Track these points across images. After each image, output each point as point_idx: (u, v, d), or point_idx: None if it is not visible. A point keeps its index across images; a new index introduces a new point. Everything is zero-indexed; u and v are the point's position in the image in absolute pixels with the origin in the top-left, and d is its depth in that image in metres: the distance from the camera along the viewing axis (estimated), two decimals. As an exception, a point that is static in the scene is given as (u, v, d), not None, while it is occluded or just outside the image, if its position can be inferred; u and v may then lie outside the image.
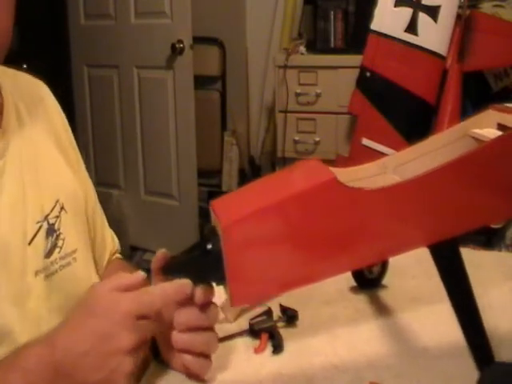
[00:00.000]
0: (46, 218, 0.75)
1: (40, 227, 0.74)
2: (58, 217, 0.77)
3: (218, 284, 0.60)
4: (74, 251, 0.79)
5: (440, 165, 0.56)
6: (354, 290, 0.92)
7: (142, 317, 0.58)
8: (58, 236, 0.76)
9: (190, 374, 0.70)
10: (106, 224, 0.93)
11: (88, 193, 0.88)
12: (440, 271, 0.62)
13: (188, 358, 0.68)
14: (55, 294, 0.75)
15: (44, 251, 0.74)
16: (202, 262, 0.60)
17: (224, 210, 0.58)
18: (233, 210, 0.58)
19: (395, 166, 0.66)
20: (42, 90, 0.86)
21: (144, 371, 0.70)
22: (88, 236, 0.85)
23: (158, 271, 0.65)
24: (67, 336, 0.58)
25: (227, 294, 0.58)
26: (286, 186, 0.59)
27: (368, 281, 0.92)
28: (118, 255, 0.96)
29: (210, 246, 0.59)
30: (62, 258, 0.76)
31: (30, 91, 0.84)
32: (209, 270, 0.59)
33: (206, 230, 0.65)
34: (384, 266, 0.92)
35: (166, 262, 0.65)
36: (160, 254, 0.66)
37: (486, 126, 0.65)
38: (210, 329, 0.68)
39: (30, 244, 0.72)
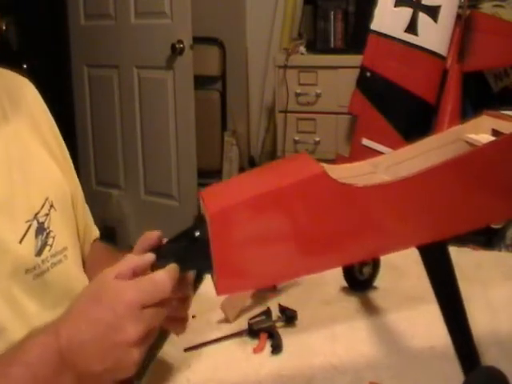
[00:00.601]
0: (36, 216, 0.75)
1: (30, 226, 0.74)
2: (47, 215, 0.77)
3: (205, 272, 0.60)
4: (65, 249, 0.79)
5: (431, 166, 0.56)
6: (353, 290, 0.92)
7: (147, 306, 0.58)
8: (48, 234, 0.76)
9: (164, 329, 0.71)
10: (89, 213, 0.93)
11: (75, 185, 0.88)
12: (428, 273, 0.61)
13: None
14: (47, 292, 0.75)
15: (35, 250, 0.74)
16: (189, 250, 0.60)
17: (212, 198, 0.58)
18: (221, 198, 0.58)
19: (388, 165, 0.66)
20: (25, 87, 0.86)
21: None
22: (76, 231, 0.85)
23: (141, 252, 0.65)
24: (71, 324, 0.58)
25: (213, 282, 0.58)
26: (275, 178, 0.59)
27: (359, 282, 0.92)
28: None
29: (197, 234, 0.59)
30: (52, 256, 0.76)
31: (14, 88, 0.83)
32: (196, 257, 0.60)
33: (195, 217, 0.65)
34: (375, 267, 0.92)
35: (153, 248, 0.65)
36: (149, 234, 0.66)
37: (480, 131, 0.66)
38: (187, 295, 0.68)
39: (20, 243, 0.72)
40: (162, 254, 0.62)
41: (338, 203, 0.56)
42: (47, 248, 0.76)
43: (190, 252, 0.60)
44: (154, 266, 0.61)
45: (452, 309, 0.61)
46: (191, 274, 0.67)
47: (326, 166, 0.61)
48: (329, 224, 0.57)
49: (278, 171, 0.62)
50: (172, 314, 0.67)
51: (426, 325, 0.81)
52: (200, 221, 0.59)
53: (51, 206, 0.78)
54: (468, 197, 0.58)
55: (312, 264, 0.58)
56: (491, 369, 0.59)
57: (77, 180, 0.90)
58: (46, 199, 0.78)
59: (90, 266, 0.87)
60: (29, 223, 0.74)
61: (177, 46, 2.62)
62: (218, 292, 0.59)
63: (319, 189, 0.56)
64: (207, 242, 0.57)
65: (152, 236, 0.67)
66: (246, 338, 0.81)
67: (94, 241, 0.94)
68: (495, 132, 0.64)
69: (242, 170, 3.15)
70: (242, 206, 0.56)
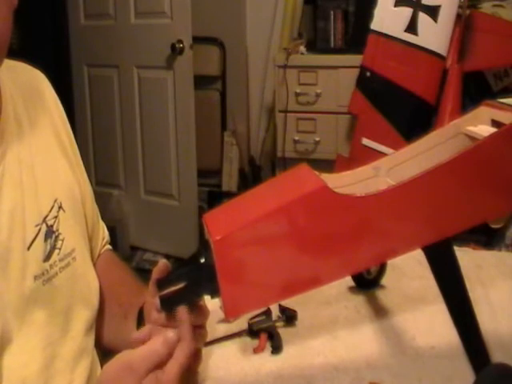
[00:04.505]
0: (45, 219, 0.74)
1: (39, 230, 0.73)
2: (56, 217, 0.76)
3: (212, 297, 0.60)
4: (73, 250, 0.78)
5: (432, 167, 0.56)
6: (353, 290, 0.92)
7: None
8: (56, 237, 0.75)
9: None
10: (97, 210, 0.92)
11: (85, 185, 0.87)
12: (434, 272, 0.61)
13: None
14: (57, 297, 0.74)
15: (43, 255, 0.73)
16: (195, 276, 0.60)
17: (215, 223, 0.58)
18: (224, 223, 0.58)
19: (390, 167, 0.66)
20: (40, 82, 0.85)
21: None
22: (86, 231, 0.85)
23: (155, 282, 0.65)
24: None
25: (221, 305, 0.58)
26: (277, 197, 0.58)
27: (366, 281, 0.92)
28: (109, 246, 0.95)
29: (202, 260, 0.59)
30: (61, 260, 0.75)
31: (29, 83, 0.82)
32: (202, 283, 0.60)
33: (201, 241, 0.65)
34: (382, 266, 0.92)
35: (160, 277, 0.65)
36: (161, 265, 0.66)
37: (479, 123, 0.65)
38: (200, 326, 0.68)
39: (28, 249, 0.71)
40: (168, 283, 0.62)
41: (340, 214, 0.56)
42: (56, 252, 0.75)
43: (196, 279, 0.60)
44: (162, 298, 0.62)
45: (460, 307, 0.61)
46: (206, 306, 0.67)
47: (327, 175, 0.61)
48: (334, 235, 0.57)
49: (278, 188, 0.62)
50: None
51: (426, 325, 0.81)
52: (205, 246, 0.59)
53: (60, 207, 0.77)
54: (472, 192, 0.58)
55: (319, 277, 0.58)
56: (502, 365, 0.59)
57: (86, 177, 0.88)
58: (55, 201, 0.77)
59: (98, 275, 0.86)
60: (38, 227, 0.73)
61: (177, 45, 2.62)
62: (227, 316, 0.59)
63: (321, 203, 0.56)
64: (213, 268, 0.57)
65: (159, 267, 0.67)
66: (246, 338, 0.81)
67: (104, 245, 0.93)
68: (495, 122, 0.64)
69: (241, 170, 3.15)
70: (245, 229, 0.56)
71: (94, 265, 0.87)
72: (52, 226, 0.75)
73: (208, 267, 0.57)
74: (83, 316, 0.79)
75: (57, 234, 0.76)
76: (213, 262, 0.57)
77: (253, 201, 0.61)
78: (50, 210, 0.76)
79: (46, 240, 0.74)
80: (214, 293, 0.58)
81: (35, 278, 0.72)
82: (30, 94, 0.81)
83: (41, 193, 0.75)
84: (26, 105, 0.78)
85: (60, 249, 0.76)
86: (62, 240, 0.76)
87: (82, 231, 0.83)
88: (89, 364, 0.79)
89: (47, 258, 0.74)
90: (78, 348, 0.77)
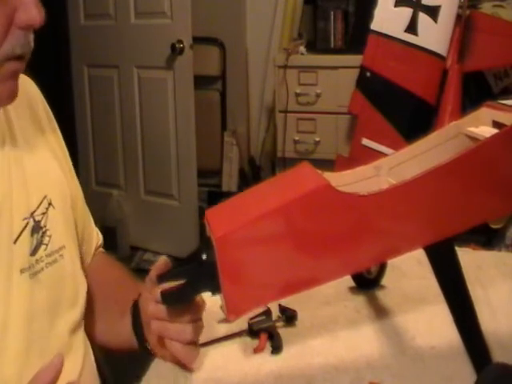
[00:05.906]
0: (32, 214, 0.74)
1: (26, 224, 0.73)
2: (44, 213, 0.76)
3: (213, 294, 0.60)
4: (62, 248, 0.78)
5: (433, 166, 0.56)
6: (353, 290, 0.92)
7: None
8: (44, 233, 0.75)
9: (178, 363, 0.72)
10: (90, 215, 0.93)
11: (76, 187, 0.87)
12: (436, 272, 0.61)
13: (177, 346, 0.70)
14: (42, 293, 0.74)
15: (29, 249, 0.73)
16: (197, 273, 0.61)
17: (217, 220, 0.58)
18: (226, 220, 0.58)
19: (391, 167, 0.66)
20: (29, 87, 0.85)
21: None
22: (75, 232, 0.85)
23: (156, 279, 0.66)
24: None
25: (222, 304, 0.58)
26: (279, 194, 0.58)
27: (367, 281, 0.93)
28: (101, 249, 0.96)
29: (204, 257, 0.59)
30: (48, 256, 0.75)
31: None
32: (204, 280, 0.60)
33: (202, 241, 0.66)
34: (382, 266, 0.92)
35: (162, 272, 0.65)
36: (161, 261, 0.66)
37: (480, 124, 0.65)
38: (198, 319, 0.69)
39: (15, 242, 0.71)
40: (170, 279, 0.62)
41: (343, 213, 0.56)
42: (42, 247, 0.75)
43: (197, 275, 0.61)
44: (163, 294, 0.62)
45: (462, 306, 0.61)
46: (202, 298, 0.68)
47: (329, 174, 0.61)
48: (336, 234, 0.57)
49: (280, 186, 0.62)
50: (182, 338, 0.68)
51: (426, 325, 0.81)
52: (207, 243, 0.59)
53: (49, 204, 0.77)
54: (473, 192, 0.58)
55: (320, 275, 0.58)
56: (504, 365, 0.59)
57: (77, 181, 0.89)
58: (45, 197, 0.77)
59: (93, 277, 0.86)
60: (25, 221, 0.73)
61: (177, 45, 2.62)
62: (229, 315, 0.59)
63: (323, 201, 0.56)
64: (214, 265, 0.57)
65: (160, 264, 0.67)
66: (246, 338, 0.81)
67: (97, 248, 0.94)
68: (496, 123, 0.64)
69: (241, 170, 3.15)
70: (247, 227, 0.56)
71: (88, 266, 0.87)
72: (40, 221, 0.75)
73: (209, 264, 0.57)
74: (69, 315, 0.79)
75: (44, 229, 0.76)
76: (214, 258, 0.57)
77: (255, 198, 0.61)
78: (39, 206, 0.76)
79: (32, 235, 0.74)
80: (215, 290, 0.58)
81: (21, 271, 0.72)
82: (21, 100, 0.81)
83: (30, 188, 0.75)
84: (16, 110, 0.79)
85: (47, 245, 0.76)
86: (50, 236, 0.76)
87: (71, 230, 0.83)
88: (74, 365, 0.79)
89: (33, 252, 0.73)
90: (64, 347, 0.77)
